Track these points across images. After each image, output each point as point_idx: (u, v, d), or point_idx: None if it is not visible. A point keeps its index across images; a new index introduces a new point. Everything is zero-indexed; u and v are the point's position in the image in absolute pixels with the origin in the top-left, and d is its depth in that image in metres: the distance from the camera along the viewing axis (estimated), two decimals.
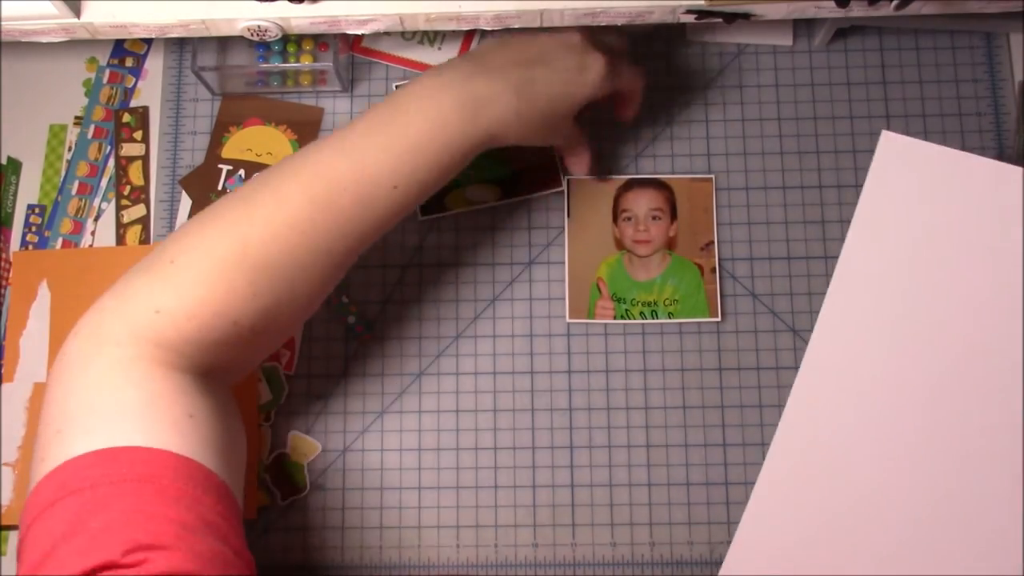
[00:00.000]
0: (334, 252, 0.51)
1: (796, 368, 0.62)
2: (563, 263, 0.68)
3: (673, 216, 0.68)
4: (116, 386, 0.44)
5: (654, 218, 0.68)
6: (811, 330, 0.61)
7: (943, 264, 0.57)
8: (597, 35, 0.60)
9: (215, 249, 0.48)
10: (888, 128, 0.69)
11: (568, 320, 0.67)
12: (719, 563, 0.63)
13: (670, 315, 0.66)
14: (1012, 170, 0.58)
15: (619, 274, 0.67)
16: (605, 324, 0.67)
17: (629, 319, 0.67)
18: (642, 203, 0.68)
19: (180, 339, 0.46)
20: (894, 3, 0.59)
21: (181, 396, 0.45)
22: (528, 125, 0.56)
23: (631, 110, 0.66)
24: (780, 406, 0.62)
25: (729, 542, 0.63)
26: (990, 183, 0.58)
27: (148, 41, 0.73)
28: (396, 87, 0.69)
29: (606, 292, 0.67)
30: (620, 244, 0.68)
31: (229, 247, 0.48)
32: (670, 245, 0.67)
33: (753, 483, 0.61)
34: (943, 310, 0.57)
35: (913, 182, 0.60)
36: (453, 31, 0.72)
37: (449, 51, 0.72)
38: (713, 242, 0.68)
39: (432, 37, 0.72)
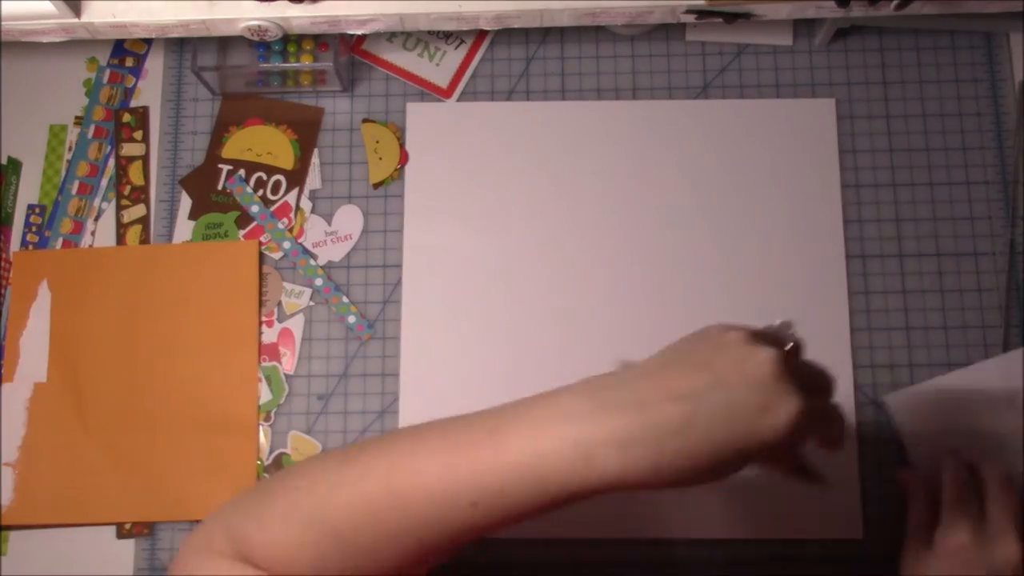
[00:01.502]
0: (403, 545, 0.46)
1: None
2: None
3: None
4: None
5: None
6: None
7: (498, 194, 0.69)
8: (798, 365, 0.45)
9: (299, 499, 0.48)
10: (888, 129, 0.69)
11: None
12: (720, 563, 0.63)
13: None
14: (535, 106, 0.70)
15: None
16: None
17: None
18: None
19: (263, 566, 0.47)
20: (894, 3, 0.59)
21: None
22: (670, 478, 0.42)
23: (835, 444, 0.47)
24: None
25: (728, 539, 0.63)
26: (516, 121, 0.70)
27: (148, 41, 0.73)
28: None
29: None
30: None
31: (310, 503, 0.47)
32: None
33: None
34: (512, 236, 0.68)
35: (443, 137, 0.70)
36: (454, 49, 0.71)
37: (448, 67, 0.71)
38: None
39: (432, 53, 0.72)
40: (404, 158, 0.70)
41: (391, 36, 0.72)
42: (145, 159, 0.71)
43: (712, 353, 0.43)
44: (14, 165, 0.71)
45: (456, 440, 0.45)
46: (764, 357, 0.42)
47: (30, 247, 0.70)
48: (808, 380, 0.44)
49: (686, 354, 0.44)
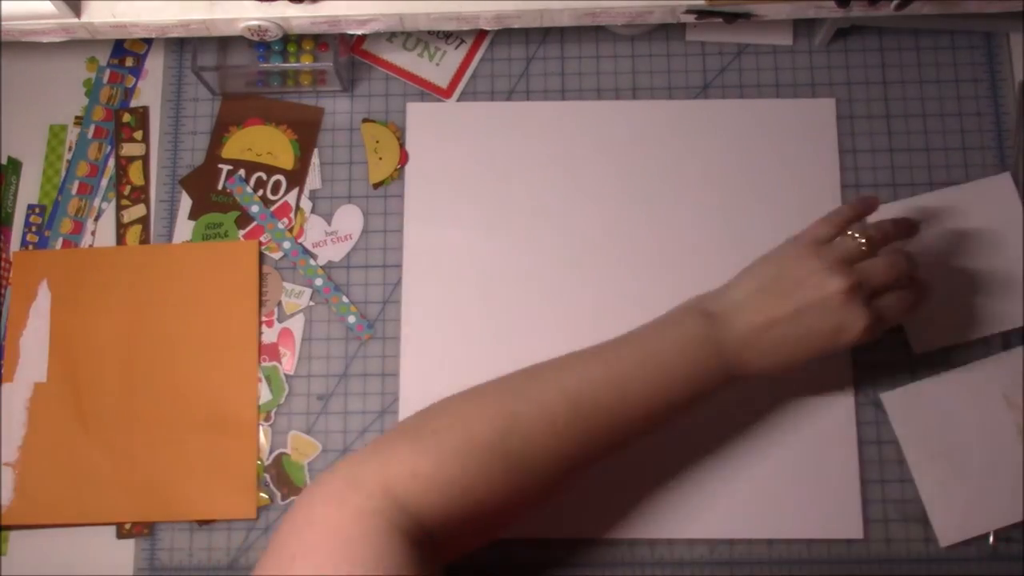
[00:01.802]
0: (579, 458, 0.53)
1: None
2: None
3: None
4: (353, 537, 0.46)
5: None
6: None
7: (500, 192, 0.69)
8: (866, 279, 0.54)
9: (477, 432, 0.50)
10: (888, 129, 0.69)
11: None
12: (720, 563, 0.63)
13: None
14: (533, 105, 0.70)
15: None
16: None
17: None
18: None
19: (425, 507, 0.48)
20: (894, 3, 0.59)
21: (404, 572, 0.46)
22: (772, 372, 0.56)
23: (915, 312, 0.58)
24: None
25: (728, 539, 0.63)
26: (511, 121, 0.70)
27: (148, 41, 0.73)
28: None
29: None
30: None
31: (490, 433, 0.50)
32: None
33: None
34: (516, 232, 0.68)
35: (443, 137, 0.70)
36: (454, 49, 0.72)
37: (448, 67, 0.71)
38: None
39: (432, 53, 0.72)
40: (404, 158, 0.70)
41: (391, 36, 0.72)
42: (145, 159, 0.71)
43: (795, 287, 0.54)
44: (14, 165, 0.71)
45: (608, 358, 0.54)
46: (835, 288, 0.53)
47: (30, 247, 0.70)
48: (884, 269, 0.55)
49: (773, 282, 0.55)
